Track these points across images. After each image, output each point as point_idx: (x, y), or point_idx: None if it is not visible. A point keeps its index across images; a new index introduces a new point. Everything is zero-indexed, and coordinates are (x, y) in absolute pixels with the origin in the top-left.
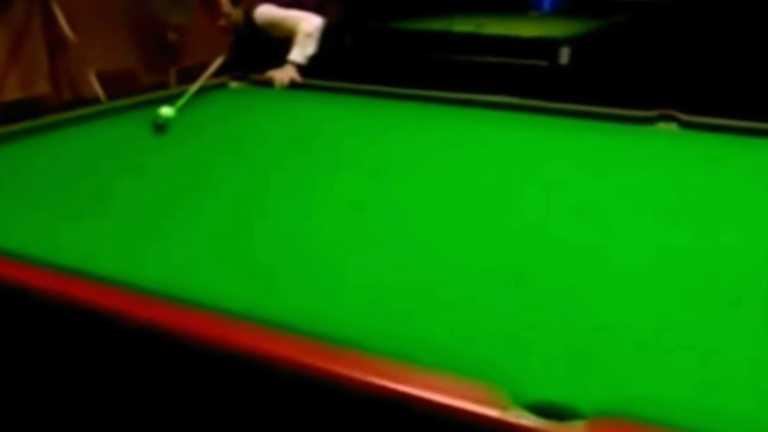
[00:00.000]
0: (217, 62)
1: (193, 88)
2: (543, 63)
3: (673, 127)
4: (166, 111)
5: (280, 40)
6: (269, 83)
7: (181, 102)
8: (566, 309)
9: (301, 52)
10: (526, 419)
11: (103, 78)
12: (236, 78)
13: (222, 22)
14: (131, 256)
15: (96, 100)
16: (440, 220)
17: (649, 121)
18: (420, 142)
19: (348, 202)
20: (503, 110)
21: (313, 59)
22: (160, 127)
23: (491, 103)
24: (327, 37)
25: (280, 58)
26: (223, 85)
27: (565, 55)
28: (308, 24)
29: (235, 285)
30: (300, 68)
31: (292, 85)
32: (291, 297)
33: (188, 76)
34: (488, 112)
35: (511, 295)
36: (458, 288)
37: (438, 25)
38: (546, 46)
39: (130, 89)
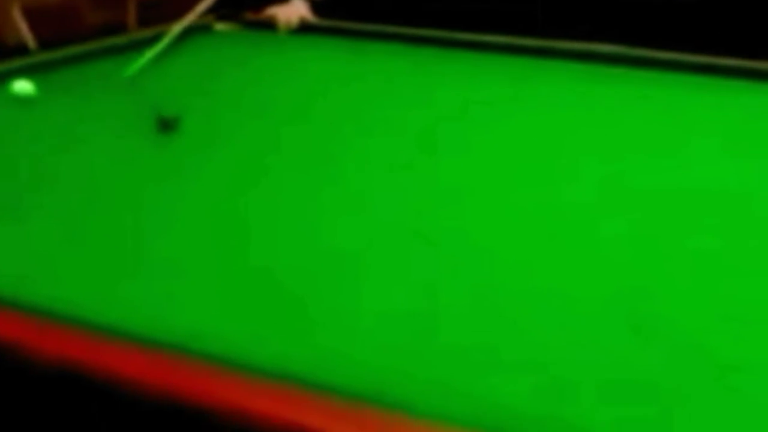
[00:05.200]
0: None
1: (170, 35)
2: None
3: None
4: (23, 86)
5: None
6: (271, 25)
7: (149, 55)
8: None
9: None
10: None
11: (32, 15)
12: (224, 18)
13: None
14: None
15: (22, 49)
16: (513, 220)
17: None
18: (483, 105)
19: (384, 196)
20: (595, 62)
21: None
22: (166, 124)
23: (577, 53)
24: None
25: None
26: (205, 29)
27: None
28: None
29: (241, 323)
30: (314, 4)
31: (302, 28)
32: (319, 334)
33: (157, 13)
34: (574, 64)
35: (622, 344)
36: (544, 326)
37: None
38: None
39: (72, 32)
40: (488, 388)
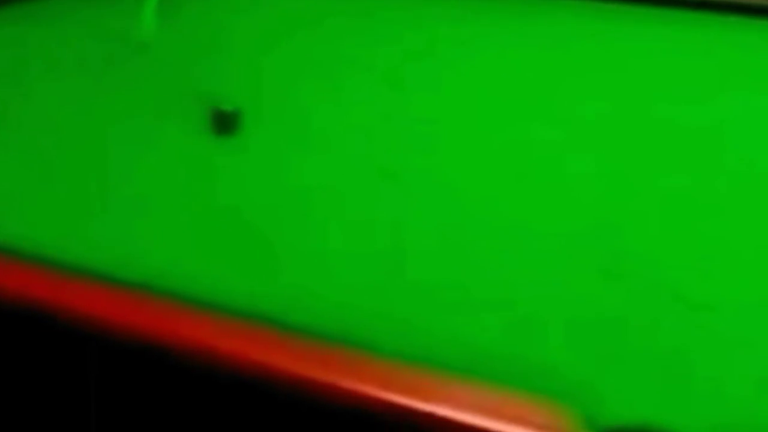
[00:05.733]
0: None
1: None
2: None
3: None
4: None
5: None
6: None
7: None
8: (668, 306)
9: None
10: None
11: None
12: None
13: None
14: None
15: None
16: (483, 157)
17: None
18: (455, 42)
19: (351, 134)
20: None
21: None
22: (225, 120)
23: None
24: None
25: None
26: None
27: None
28: None
29: (207, 262)
30: None
31: None
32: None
33: None
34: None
35: (592, 283)
36: (513, 264)
37: None
38: None
39: None
40: (455, 327)
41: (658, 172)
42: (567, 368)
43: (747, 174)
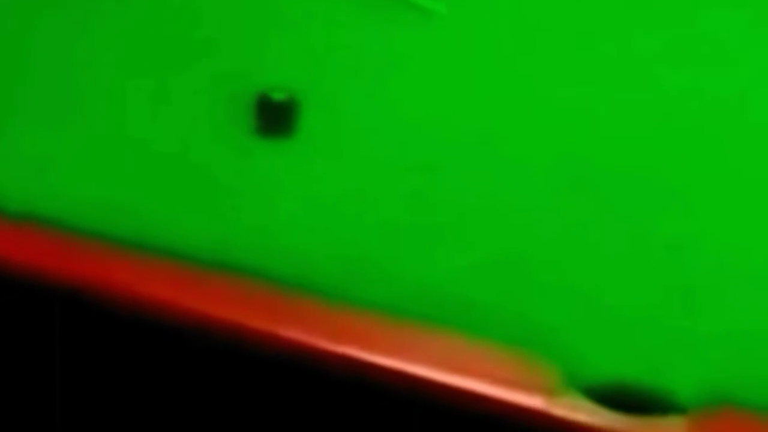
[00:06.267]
0: None
1: None
2: None
3: None
4: None
5: None
6: None
7: None
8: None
9: None
10: (590, 412)
11: None
12: None
13: None
14: None
15: None
16: (456, 85)
17: None
18: None
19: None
20: None
21: None
22: (276, 113)
23: None
24: None
25: None
26: None
27: None
28: None
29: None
30: None
31: None
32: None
33: None
34: None
35: (565, 221)
36: (486, 200)
37: None
38: None
39: None
40: (424, 271)
41: (637, 105)
42: (546, 319)
43: (729, 112)
